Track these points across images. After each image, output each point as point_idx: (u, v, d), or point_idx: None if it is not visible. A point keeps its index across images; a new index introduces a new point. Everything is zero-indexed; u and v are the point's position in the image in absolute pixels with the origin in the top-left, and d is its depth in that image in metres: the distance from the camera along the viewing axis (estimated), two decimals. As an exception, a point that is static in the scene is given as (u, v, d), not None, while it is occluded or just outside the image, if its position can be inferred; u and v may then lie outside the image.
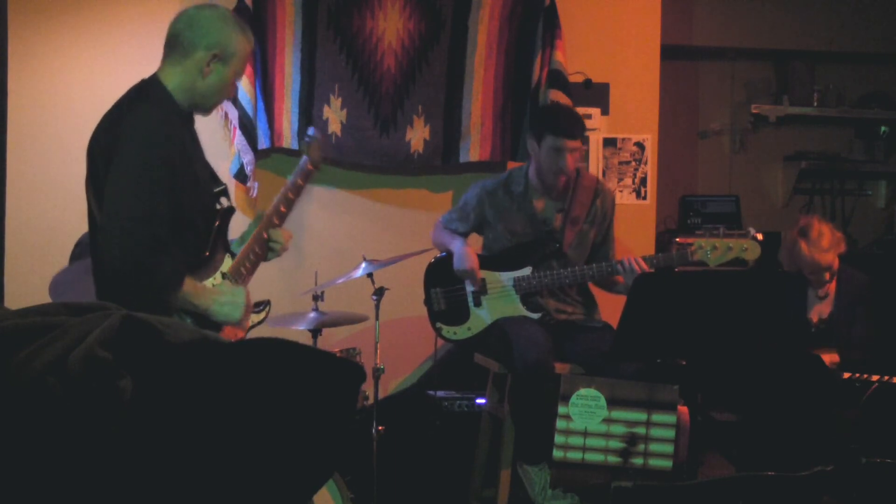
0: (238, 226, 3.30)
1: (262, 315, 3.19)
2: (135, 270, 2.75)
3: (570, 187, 4.19)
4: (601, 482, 3.45)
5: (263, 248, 3.15)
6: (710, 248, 3.95)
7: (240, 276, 3.07)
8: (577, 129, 4.10)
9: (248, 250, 3.11)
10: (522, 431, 3.93)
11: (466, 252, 4.14)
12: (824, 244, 4.26)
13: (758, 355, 4.09)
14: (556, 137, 4.03)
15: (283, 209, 3.19)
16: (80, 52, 4.80)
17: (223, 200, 3.13)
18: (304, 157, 3.30)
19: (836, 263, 4.32)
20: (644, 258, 4.00)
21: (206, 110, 3.07)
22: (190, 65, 2.95)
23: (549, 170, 4.08)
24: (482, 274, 4.15)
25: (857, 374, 4.11)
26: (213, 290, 2.95)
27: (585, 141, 4.25)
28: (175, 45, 2.98)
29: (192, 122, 3.08)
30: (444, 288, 4.23)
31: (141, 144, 2.82)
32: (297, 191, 3.25)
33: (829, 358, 4.17)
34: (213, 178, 3.15)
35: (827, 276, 4.31)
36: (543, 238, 4.16)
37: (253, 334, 3.15)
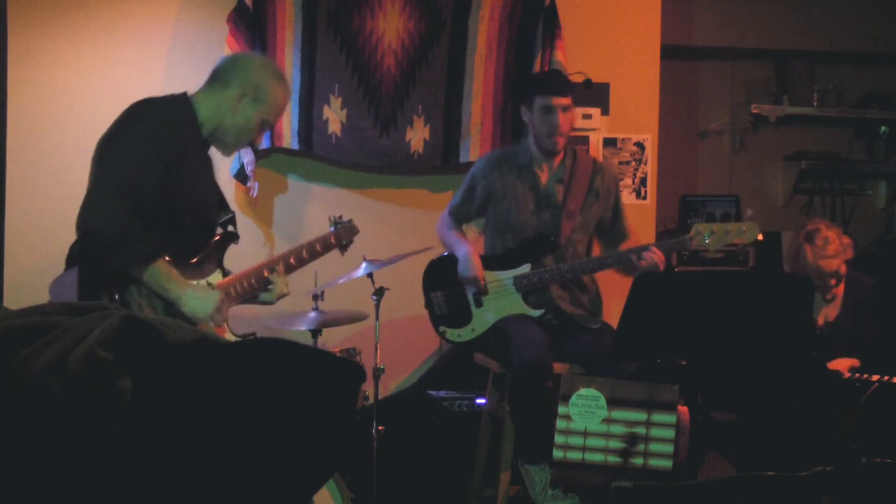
0: (242, 231, 3.35)
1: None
2: (104, 231, 2.89)
3: (568, 167, 4.19)
4: (601, 482, 3.45)
5: (258, 285, 3.27)
6: (708, 233, 3.93)
7: (228, 294, 3.16)
8: (563, 86, 4.18)
9: (243, 277, 3.23)
10: (522, 430, 3.93)
11: (471, 258, 4.12)
12: (830, 251, 4.24)
13: (758, 355, 4.09)
14: (545, 97, 4.09)
15: (293, 261, 3.39)
16: (81, 52, 4.80)
17: (229, 227, 3.27)
18: (332, 229, 3.56)
19: (843, 269, 4.30)
20: (641, 247, 4.01)
21: (226, 148, 3.24)
22: (223, 98, 3.12)
23: (543, 133, 4.11)
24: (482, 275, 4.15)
25: (857, 374, 4.11)
26: (189, 283, 3.05)
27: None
28: (216, 77, 3.18)
29: (206, 146, 3.18)
30: (445, 291, 4.22)
31: (143, 130, 2.98)
32: (313, 255, 3.45)
33: (850, 363, 4.15)
34: (223, 206, 3.27)
35: (833, 281, 4.29)
36: (541, 233, 4.15)
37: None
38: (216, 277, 3.16)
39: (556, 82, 4.21)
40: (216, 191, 3.27)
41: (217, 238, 3.21)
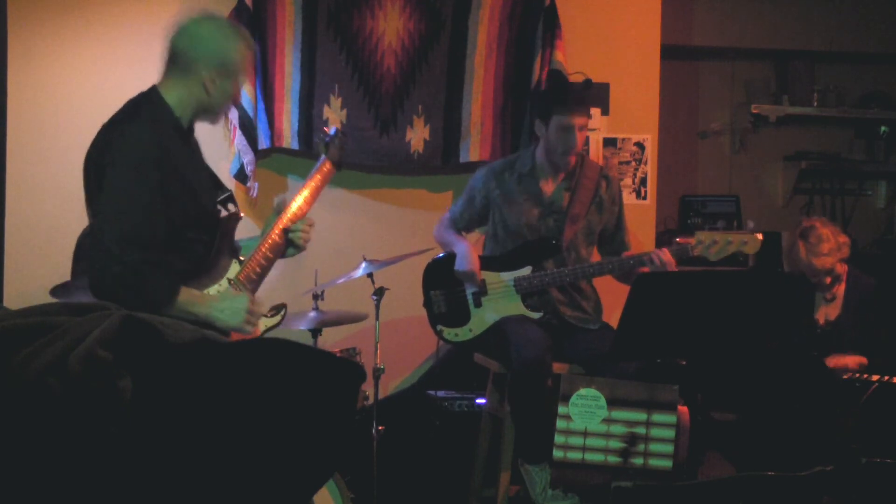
0: (242, 230, 3.31)
1: (278, 319, 3.14)
2: (122, 291, 2.73)
3: (576, 174, 4.19)
4: (601, 482, 3.45)
5: (276, 252, 3.13)
6: (710, 243, 3.94)
7: (250, 280, 3.05)
8: (584, 105, 4.15)
9: (261, 257, 3.09)
10: (522, 430, 3.93)
11: (468, 254, 4.13)
12: (823, 249, 4.25)
13: (759, 355, 4.09)
14: (565, 116, 4.05)
15: (298, 211, 3.18)
16: (81, 52, 4.80)
17: (230, 206, 3.11)
18: (322, 157, 3.32)
19: (838, 267, 4.30)
20: (650, 252, 4.01)
21: (214, 119, 3.08)
22: (192, 81, 2.94)
23: (558, 150, 4.10)
24: (483, 275, 4.15)
25: (857, 374, 4.11)
26: (212, 297, 2.91)
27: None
28: (175, 61, 2.97)
29: (191, 133, 3.07)
30: (444, 290, 4.22)
31: (130, 165, 2.81)
32: (315, 193, 3.25)
33: (857, 360, 4.15)
34: (217, 185, 3.15)
35: (827, 280, 4.30)
36: (543, 236, 4.15)
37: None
38: (234, 269, 3.04)
39: (578, 101, 4.14)
40: (209, 173, 3.14)
41: (222, 230, 3.09)
